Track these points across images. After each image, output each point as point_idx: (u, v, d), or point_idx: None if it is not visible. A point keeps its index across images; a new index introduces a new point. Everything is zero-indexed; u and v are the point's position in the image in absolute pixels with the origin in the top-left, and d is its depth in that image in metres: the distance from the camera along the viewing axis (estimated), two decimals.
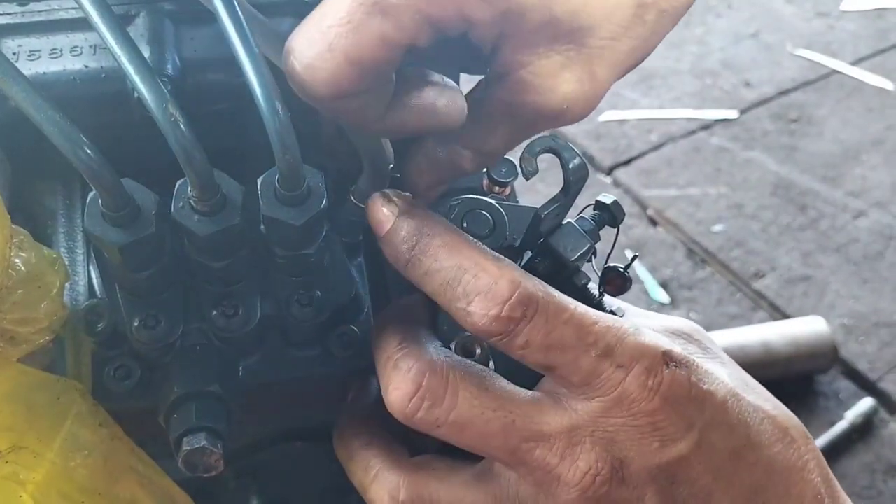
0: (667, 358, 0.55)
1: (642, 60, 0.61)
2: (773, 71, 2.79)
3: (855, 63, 2.80)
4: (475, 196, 0.66)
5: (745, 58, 2.83)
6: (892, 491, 1.76)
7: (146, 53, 0.62)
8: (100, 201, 0.55)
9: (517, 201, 0.77)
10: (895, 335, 2.02)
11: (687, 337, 0.61)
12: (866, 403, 1.88)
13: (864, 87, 2.72)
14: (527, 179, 0.62)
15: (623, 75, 0.61)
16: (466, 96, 0.64)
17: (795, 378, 1.92)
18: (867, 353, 1.99)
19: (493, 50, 0.58)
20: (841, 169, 2.44)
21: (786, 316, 2.06)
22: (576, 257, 0.65)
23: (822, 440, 1.81)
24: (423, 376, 0.55)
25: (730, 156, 2.49)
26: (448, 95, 0.61)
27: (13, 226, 0.55)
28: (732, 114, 2.62)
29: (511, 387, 0.57)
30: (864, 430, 1.85)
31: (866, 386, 1.94)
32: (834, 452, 1.81)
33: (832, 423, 1.86)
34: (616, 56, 0.58)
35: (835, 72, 2.78)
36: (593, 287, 0.69)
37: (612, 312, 0.69)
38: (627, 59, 0.59)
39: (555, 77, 0.57)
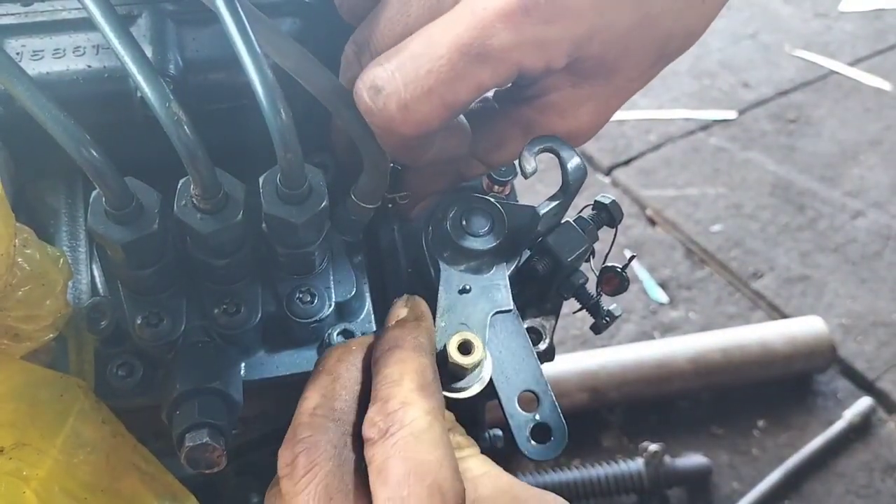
0: None
1: None
2: (772, 71, 2.79)
3: (853, 64, 2.80)
4: (475, 195, 0.66)
5: (744, 58, 2.83)
6: (891, 490, 1.77)
7: (148, 53, 0.62)
8: (103, 199, 0.55)
9: (516, 200, 0.77)
10: (893, 334, 2.02)
11: None
12: (864, 403, 1.88)
13: (862, 87, 2.72)
14: (525, 178, 0.62)
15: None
16: (472, 110, 0.67)
17: (794, 377, 1.92)
18: (865, 352, 2.00)
19: (535, 78, 0.62)
20: (839, 169, 2.45)
21: (784, 315, 2.06)
22: (574, 257, 0.65)
23: (821, 439, 1.82)
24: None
25: (728, 156, 2.49)
26: (466, 132, 0.66)
27: (17, 224, 0.55)
28: (731, 114, 2.63)
29: None
30: (862, 429, 1.85)
31: (864, 385, 1.94)
32: (832, 452, 1.81)
33: (830, 423, 1.86)
34: (628, 93, 0.65)
35: (833, 72, 2.78)
36: (591, 287, 0.69)
37: (608, 312, 0.70)
38: (634, 93, 0.65)
39: (578, 106, 0.63)
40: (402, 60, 0.56)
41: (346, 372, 0.59)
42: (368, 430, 0.54)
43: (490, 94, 0.68)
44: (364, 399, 0.58)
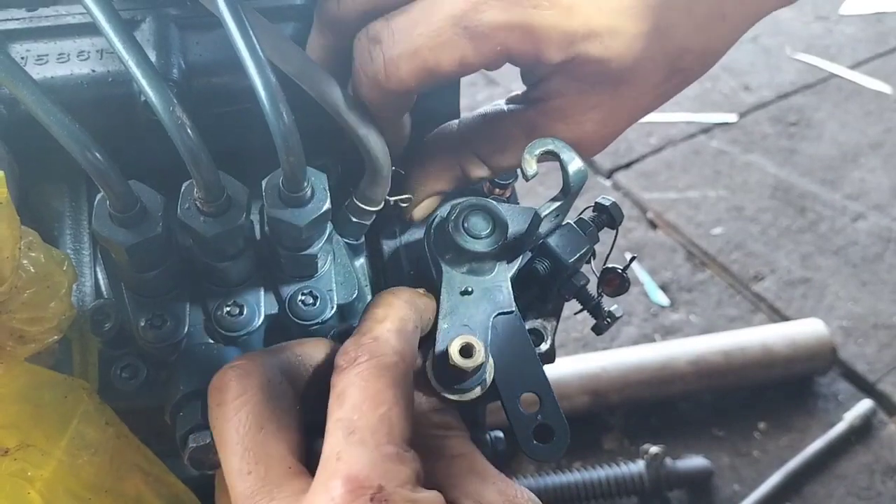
0: None
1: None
2: (773, 74, 2.80)
3: (853, 67, 2.81)
4: (476, 197, 0.67)
5: (745, 61, 2.84)
6: (891, 492, 1.77)
7: (152, 58, 0.63)
8: (107, 203, 0.56)
9: (517, 203, 0.78)
10: (894, 337, 2.03)
11: None
12: (865, 405, 1.88)
13: (863, 90, 2.72)
14: (527, 181, 0.63)
15: (634, 123, 0.68)
16: (479, 114, 0.68)
17: (795, 380, 1.92)
18: (866, 354, 2.00)
19: (541, 79, 0.63)
20: (840, 172, 2.45)
21: (785, 318, 2.06)
22: (575, 258, 0.66)
23: (821, 441, 1.82)
24: None
25: (729, 159, 2.50)
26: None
27: (23, 227, 0.55)
28: (732, 117, 2.63)
29: None
30: (862, 431, 1.85)
31: (865, 387, 1.94)
32: (833, 454, 1.81)
33: (831, 425, 1.86)
34: (637, 108, 0.66)
35: (833, 75, 2.78)
36: (592, 288, 0.70)
37: (609, 313, 0.70)
38: (644, 111, 0.66)
39: (583, 114, 0.64)
40: (402, 20, 0.59)
41: (310, 344, 0.60)
42: (340, 359, 0.55)
43: (502, 101, 0.69)
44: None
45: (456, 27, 0.57)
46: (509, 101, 0.69)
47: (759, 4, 0.63)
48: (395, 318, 0.58)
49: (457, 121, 0.71)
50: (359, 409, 0.51)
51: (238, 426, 0.53)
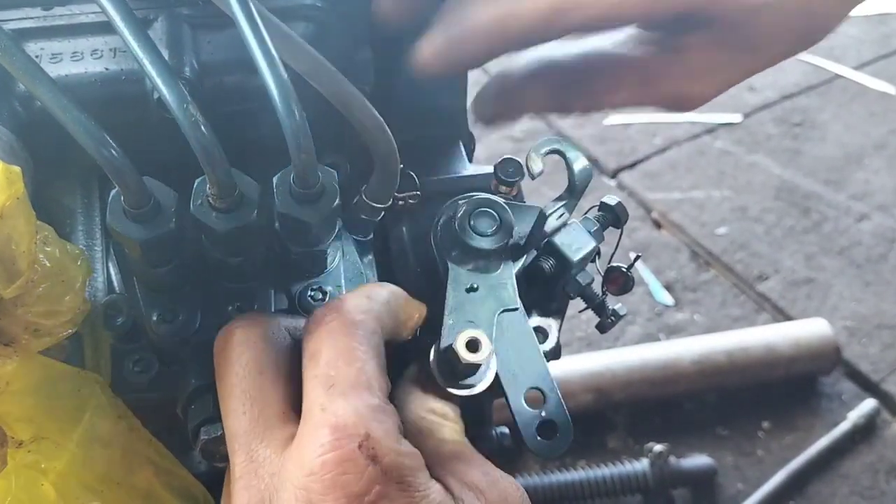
0: None
1: None
2: (777, 76, 2.80)
3: (858, 68, 2.81)
4: (483, 195, 0.68)
5: None
6: (895, 491, 1.77)
7: (165, 56, 0.63)
8: (122, 198, 0.56)
9: (524, 201, 0.78)
10: None
11: None
12: (869, 404, 1.88)
13: (867, 91, 2.72)
14: (532, 179, 0.64)
15: None
16: (579, 53, 0.69)
17: (798, 379, 1.93)
18: (870, 354, 2.00)
19: (683, 32, 0.62)
20: (844, 173, 2.45)
21: (789, 318, 2.07)
22: (580, 256, 0.66)
23: (825, 441, 1.82)
24: None
25: (733, 159, 2.50)
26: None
27: (38, 222, 0.56)
28: (736, 118, 2.64)
29: None
30: (866, 430, 1.86)
31: (869, 387, 1.95)
32: (836, 453, 1.82)
33: (835, 424, 1.86)
34: (755, 71, 0.66)
35: (838, 76, 2.79)
36: (596, 287, 0.70)
37: (613, 311, 0.71)
38: (756, 73, 0.66)
39: (711, 73, 0.64)
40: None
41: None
42: (309, 322, 0.56)
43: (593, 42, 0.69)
44: None
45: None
46: (640, 38, 0.68)
47: None
48: (366, 288, 0.60)
49: (536, 58, 0.70)
50: (334, 365, 0.53)
51: (238, 370, 0.55)
